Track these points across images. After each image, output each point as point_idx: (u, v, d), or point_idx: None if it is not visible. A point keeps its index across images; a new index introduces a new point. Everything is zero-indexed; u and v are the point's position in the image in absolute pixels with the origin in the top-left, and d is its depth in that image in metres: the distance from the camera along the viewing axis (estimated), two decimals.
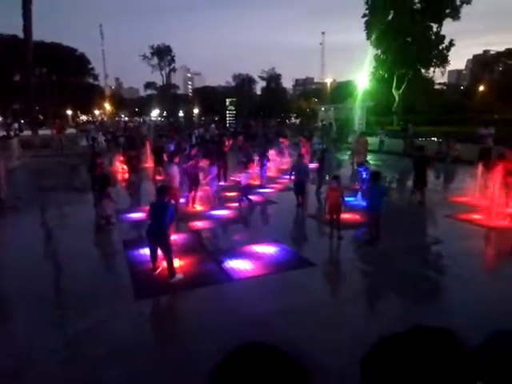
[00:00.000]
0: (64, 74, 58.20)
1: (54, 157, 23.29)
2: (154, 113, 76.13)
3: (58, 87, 53.87)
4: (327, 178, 11.73)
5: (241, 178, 11.46)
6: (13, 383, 3.99)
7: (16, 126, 30.12)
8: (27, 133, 30.16)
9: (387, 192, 8.91)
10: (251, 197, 11.27)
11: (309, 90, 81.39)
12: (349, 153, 21.93)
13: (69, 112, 63.59)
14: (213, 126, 31.81)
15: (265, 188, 13.49)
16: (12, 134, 25.66)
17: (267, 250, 7.52)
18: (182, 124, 50.48)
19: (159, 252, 6.23)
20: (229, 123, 48.20)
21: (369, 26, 34.20)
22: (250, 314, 5.11)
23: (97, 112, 74.72)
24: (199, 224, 9.47)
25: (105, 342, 4.57)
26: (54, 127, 28.64)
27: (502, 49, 57.26)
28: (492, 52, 66.95)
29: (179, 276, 6.15)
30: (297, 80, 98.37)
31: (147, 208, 6.90)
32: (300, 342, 4.42)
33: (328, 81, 54.41)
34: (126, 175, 15.58)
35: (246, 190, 11.17)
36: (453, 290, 5.96)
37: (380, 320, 5.00)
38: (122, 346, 4.53)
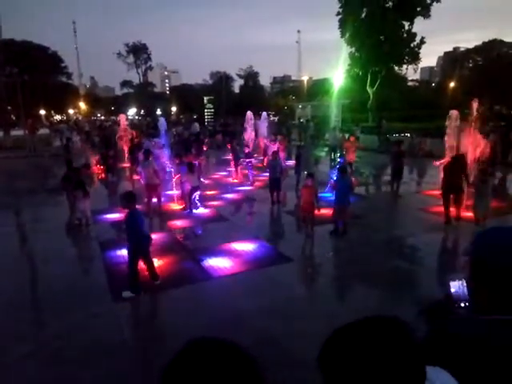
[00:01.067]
0: (36, 73, 56.53)
1: (26, 158, 22.69)
2: (131, 111, 74.80)
3: (30, 87, 52.29)
4: (304, 174, 11.98)
5: (184, 182, 10.40)
6: None
7: None
8: None
9: (352, 185, 9.18)
10: (198, 203, 10.39)
11: (286, 87, 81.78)
12: (326, 149, 22.31)
13: (42, 112, 61.78)
14: (196, 124, 31.45)
15: (243, 186, 13.64)
16: None
17: (246, 247, 7.65)
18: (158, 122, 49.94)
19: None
20: (207, 121, 47.99)
21: (343, 24, 34.69)
22: (230, 310, 5.23)
23: (71, 111, 72.82)
24: (178, 223, 9.53)
25: (82, 343, 4.59)
26: (25, 127, 27.84)
27: (471, 46, 59.27)
28: (462, 49, 68.96)
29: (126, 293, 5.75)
30: (274, 78, 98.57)
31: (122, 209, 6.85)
32: (279, 336, 4.61)
33: (305, 78, 54.90)
34: (103, 175, 15.45)
35: (190, 195, 10.15)
36: (424, 279, 6.27)
37: (356, 310, 5.18)
38: (100, 346, 4.55)
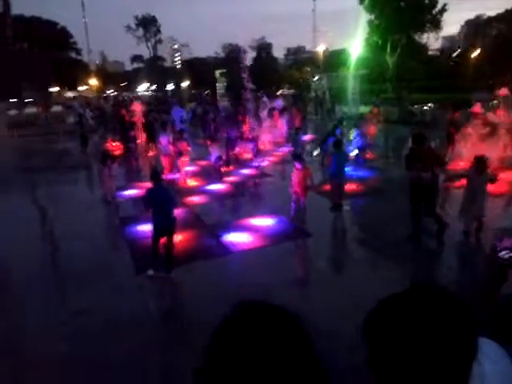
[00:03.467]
0: (46, 48, 56.17)
1: (41, 135, 22.71)
2: (142, 87, 74.22)
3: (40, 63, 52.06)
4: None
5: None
6: (19, 358, 3.97)
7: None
8: (14, 112, 29.31)
9: (347, 159, 8.82)
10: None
11: (301, 59, 79.45)
12: (345, 123, 21.66)
13: (55, 89, 61.73)
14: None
15: (259, 162, 13.28)
16: None
17: (264, 222, 7.46)
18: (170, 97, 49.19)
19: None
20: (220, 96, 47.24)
21: None
22: (250, 284, 5.08)
23: (82, 88, 72.60)
24: (195, 199, 9.33)
25: (107, 316, 4.59)
26: (39, 105, 27.82)
27: (494, 14, 56.47)
28: (485, 17, 65.71)
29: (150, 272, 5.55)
30: (288, 49, 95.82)
31: (143, 185, 6.72)
32: (302, 309, 4.44)
33: (320, 49, 53.04)
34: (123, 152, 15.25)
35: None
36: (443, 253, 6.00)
37: (378, 284, 4.96)
38: (124, 319, 4.52)
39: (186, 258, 5.99)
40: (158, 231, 5.46)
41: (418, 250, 6.14)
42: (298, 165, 7.45)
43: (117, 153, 14.80)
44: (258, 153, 13.70)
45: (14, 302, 5.17)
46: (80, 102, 39.73)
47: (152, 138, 14.50)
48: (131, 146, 15.05)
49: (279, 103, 20.93)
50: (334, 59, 41.96)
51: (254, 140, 13.74)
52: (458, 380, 0.82)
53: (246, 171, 12.01)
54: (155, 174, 5.74)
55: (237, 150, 13.06)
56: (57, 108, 32.01)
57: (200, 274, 5.60)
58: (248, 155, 13.67)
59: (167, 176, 10.05)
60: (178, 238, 6.58)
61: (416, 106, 21.97)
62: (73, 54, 68.41)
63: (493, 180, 6.16)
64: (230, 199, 9.40)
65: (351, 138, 12.75)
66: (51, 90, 58.54)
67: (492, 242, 1.17)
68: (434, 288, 0.89)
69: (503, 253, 1.23)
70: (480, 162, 5.90)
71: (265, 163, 12.96)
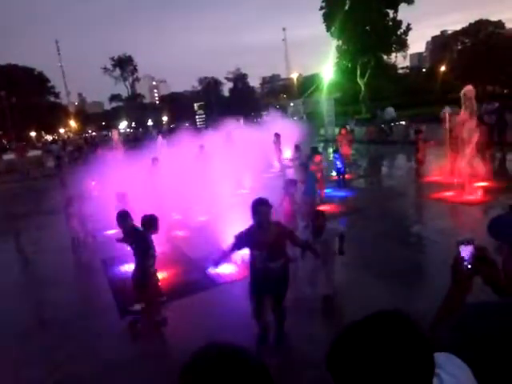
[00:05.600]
0: (24, 95, 56.34)
1: (20, 182, 22.42)
2: (122, 124, 74.61)
3: (18, 109, 52.08)
4: None
5: None
6: None
7: None
8: None
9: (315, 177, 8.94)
10: None
11: (276, 86, 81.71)
12: (322, 145, 22.11)
13: (33, 134, 61.56)
14: None
15: None
16: None
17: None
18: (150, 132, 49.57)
19: None
20: (199, 127, 47.88)
21: (327, 18, 34.59)
22: (239, 316, 4.99)
23: (62, 130, 72.59)
24: (178, 233, 9.24)
25: (94, 362, 4.48)
26: (16, 151, 27.62)
27: (458, 28, 59.14)
28: (449, 32, 68.92)
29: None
30: (263, 78, 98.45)
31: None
32: (293, 339, 4.44)
33: (294, 76, 54.72)
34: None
35: None
36: (431, 268, 6.03)
37: (370, 304, 4.96)
38: (113, 363, 4.41)
39: (171, 292, 5.87)
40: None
41: (405, 266, 6.15)
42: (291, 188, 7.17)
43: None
44: None
45: None
46: (59, 144, 39.65)
47: None
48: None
49: None
50: (308, 84, 43.26)
51: None
52: None
53: None
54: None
55: None
56: (35, 152, 31.81)
57: (186, 307, 5.48)
58: None
59: None
60: (162, 275, 6.50)
61: (392, 124, 22.61)
62: (52, 98, 68.75)
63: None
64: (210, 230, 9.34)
65: (331, 160, 13.04)
66: (30, 134, 58.33)
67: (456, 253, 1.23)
68: (389, 312, 0.93)
69: (465, 263, 1.28)
70: None
71: None
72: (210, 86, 69.44)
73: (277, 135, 16.12)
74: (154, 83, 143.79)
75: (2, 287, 7.10)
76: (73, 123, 72.29)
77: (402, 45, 36.45)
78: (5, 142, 47.49)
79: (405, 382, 0.84)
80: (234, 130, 17.76)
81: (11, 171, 25.17)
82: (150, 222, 4.98)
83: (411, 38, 36.43)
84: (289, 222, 7.13)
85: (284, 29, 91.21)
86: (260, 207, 3.98)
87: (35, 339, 5.28)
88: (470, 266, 1.41)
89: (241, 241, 4.20)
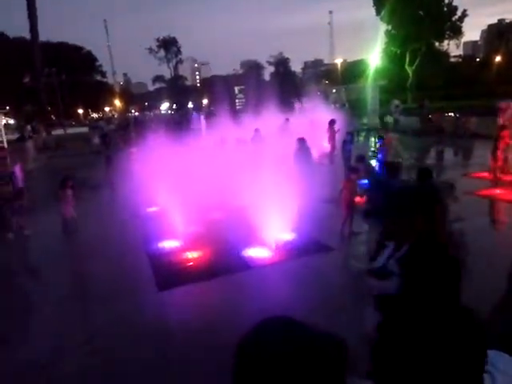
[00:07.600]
0: (72, 73, 58.70)
1: (69, 157, 23.47)
2: (164, 106, 76.13)
3: (67, 86, 54.40)
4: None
5: None
6: (45, 375, 4.05)
7: (29, 128, 30.35)
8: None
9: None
10: None
11: (319, 72, 79.86)
12: (364, 134, 21.50)
13: (80, 111, 64.25)
14: None
15: None
16: (26, 136, 25.90)
17: (284, 236, 7.39)
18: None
19: None
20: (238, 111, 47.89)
21: (378, 1, 33.09)
22: (271, 301, 5.00)
23: (107, 109, 75.23)
24: (215, 215, 9.35)
25: (130, 332, 4.63)
26: (65, 127, 28.90)
27: None
28: (507, 21, 64.20)
29: None
30: (305, 63, 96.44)
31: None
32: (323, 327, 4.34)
33: (338, 61, 53.20)
34: None
35: None
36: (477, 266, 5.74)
37: None
38: (147, 335, 4.54)
39: (206, 273, 5.99)
40: None
41: None
42: (352, 176, 7.10)
43: None
44: None
45: (39, 321, 5.26)
46: (106, 121, 41.13)
47: None
48: None
49: None
50: (352, 70, 41.94)
51: None
52: None
53: None
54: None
55: None
56: (83, 129, 33.21)
57: (221, 290, 5.59)
58: None
59: None
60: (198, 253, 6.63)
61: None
62: (98, 77, 71.19)
63: None
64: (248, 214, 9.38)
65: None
66: (78, 111, 60.88)
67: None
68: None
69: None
70: None
71: None
72: (252, 69, 69.02)
73: (331, 122, 15.55)
74: (196, 65, 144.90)
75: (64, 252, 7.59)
76: (118, 102, 74.64)
77: (457, 32, 34.37)
78: (53, 117, 49.85)
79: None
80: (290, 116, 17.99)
81: (60, 146, 26.44)
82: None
83: (466, 25, 34.09)
84: (345, 213, 7.09)
85: (331, 12, 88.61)
86: None
87: (78, 303, 5.59)
88: None
89: None
